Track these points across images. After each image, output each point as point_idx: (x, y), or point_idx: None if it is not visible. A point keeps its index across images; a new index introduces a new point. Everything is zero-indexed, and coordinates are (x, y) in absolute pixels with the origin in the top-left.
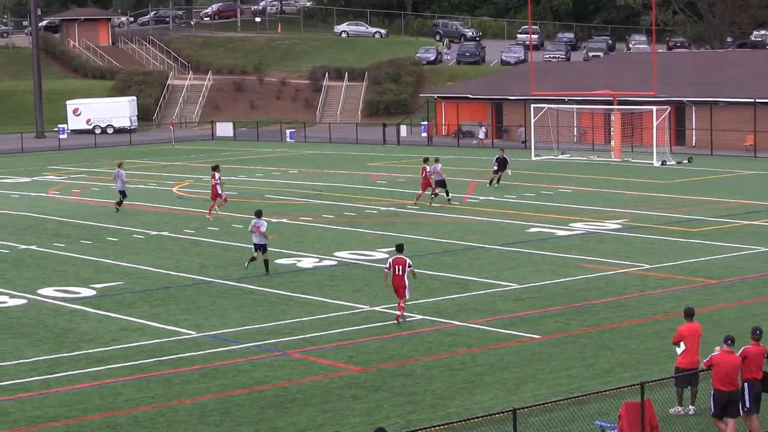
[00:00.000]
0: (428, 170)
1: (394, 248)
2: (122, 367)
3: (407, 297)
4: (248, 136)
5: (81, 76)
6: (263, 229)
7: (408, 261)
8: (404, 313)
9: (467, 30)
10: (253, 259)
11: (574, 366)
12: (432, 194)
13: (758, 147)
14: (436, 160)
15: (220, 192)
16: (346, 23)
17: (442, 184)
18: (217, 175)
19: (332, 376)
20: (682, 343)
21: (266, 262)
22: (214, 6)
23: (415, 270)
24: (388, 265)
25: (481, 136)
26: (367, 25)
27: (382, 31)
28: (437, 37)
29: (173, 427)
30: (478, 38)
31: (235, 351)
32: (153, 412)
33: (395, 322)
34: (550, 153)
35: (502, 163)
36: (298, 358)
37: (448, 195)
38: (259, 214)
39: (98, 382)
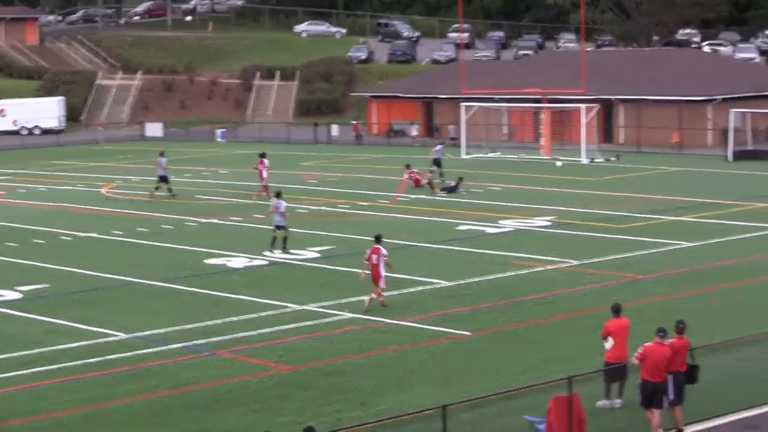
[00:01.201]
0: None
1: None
2: (49, 370)
3: (383, 286)
4: (178, 136)
5: (7, 75)
6: (282, 209)
7: (384, 251)
8: (380, 298)
9: (404, 30)
10: (275, 239)
11: (503, 362)
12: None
13: (684, 144)
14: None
15: (265, 176)
16: (306, 23)
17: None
18: (265, 161)
19: (262, 376)
20: (610, 338)
21: (285, 240)
22: (143, 5)
23: (388, 260)
24: (367, 256)
25: (414, 134)
26: (328, 25)
27: (343, 30)
28: (379, 38)
29: (101, 429)
30: (415, 39)
31: (164, 352)
32: (81, 415)
33: (382, 306)
34: (480, 151)
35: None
36: (228, 358)
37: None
38: (278, 195)
39: (24, 386)
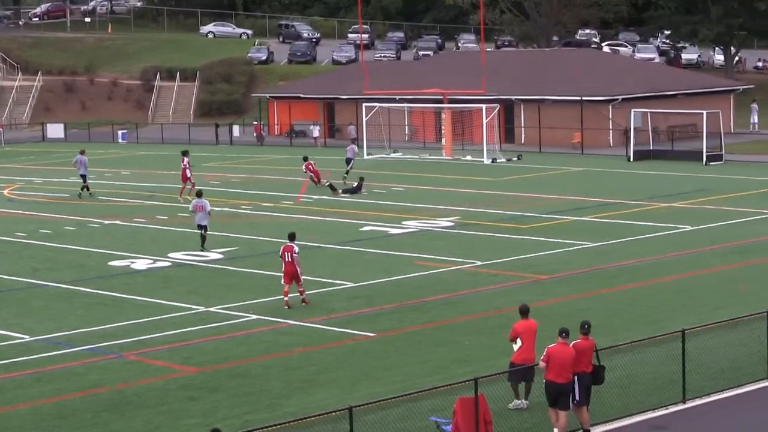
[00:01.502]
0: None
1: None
2: None
3: (301, 280)
4: (80, 137)
5: None
6: (208, 209)
7: (296, 248)
8: (290, 295)
9: (304, 31)
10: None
11: (408, 363)
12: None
13: (585, 144)
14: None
15: (189, 176)
16: (213, 24)
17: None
18: (185, 159)
19: (168, 378)
20: (519, 340)
21: (204, 239)
22: (43, 6)
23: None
24: (281, 253)
25: (316, 134)
26: (234, 26)
27: (249, 31)
28: (280, 39)
29: None
30: (315, 40)
31: (70, 354)
32: None
33: (303, 303)
34: (382, 151)
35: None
36: (134, 361)
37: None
38: (200, 194)
39: None
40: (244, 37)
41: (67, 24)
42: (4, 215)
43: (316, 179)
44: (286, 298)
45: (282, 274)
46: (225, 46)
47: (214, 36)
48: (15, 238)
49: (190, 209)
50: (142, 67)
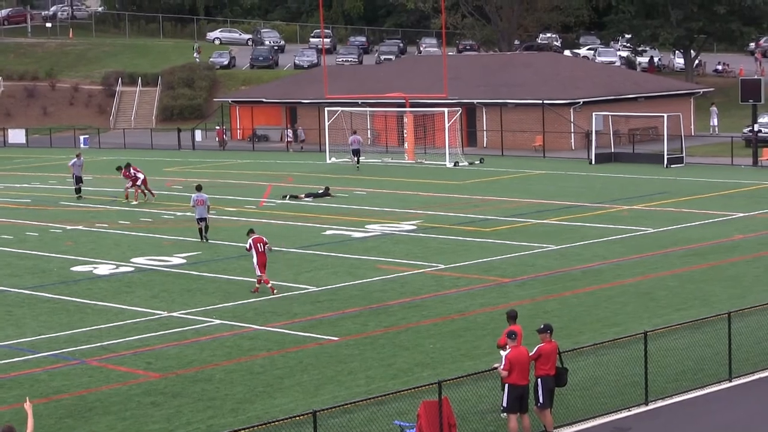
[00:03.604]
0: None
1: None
2: None
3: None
4: (41, 143)
5: None
6: (208, 202)
7: (264, 239)
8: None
9: (270, 38)
10: (200, 231)
11: (372, 367)
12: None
13: (547, 147)
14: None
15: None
16: (219, 30)
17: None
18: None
19: (131, 383)
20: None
21: (201, 231)
22: (3, 11)
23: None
24: (249, 246)
25: (289, 139)
26: (240, 32)
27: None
28: (249, 43)
29: None
30: (277, 47)
31: (32, 360)
32: None
33: (272, 293)
34: (344, 156)
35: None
36: (97, 366)
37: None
38: (199, 188)
39: None
40: (249, 43)
41: (28, 29)
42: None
43: (132, 185)
44: (258, 285)
45: (256, 266)
46: (184, 51)
47: (221, 42)
48: None
49: (191, 204)
50: (103, 73)
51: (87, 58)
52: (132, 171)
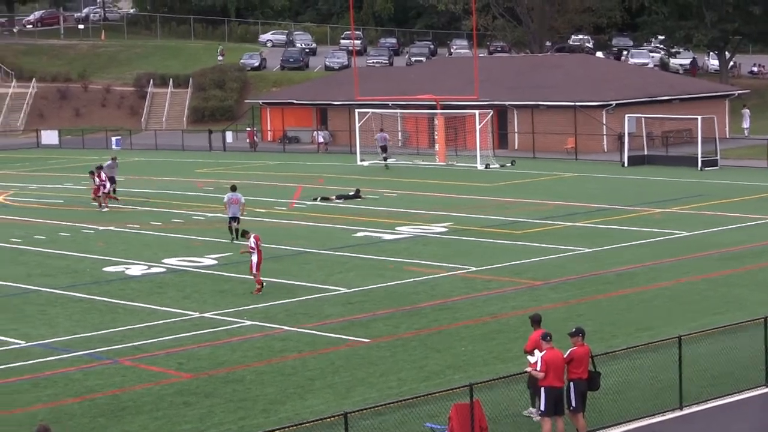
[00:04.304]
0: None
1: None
2: None
3: None
4: (74, 143)
5: None
6: (242, 200)
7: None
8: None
9: (302, 41)
10: (231, 229)
11: (404, 369)
12: None
13: (579, 150)
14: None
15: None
16: (271, 32)
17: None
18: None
19: (163, 383)
20: (537, 351)
21: (237, 231)
22: (36, 13)
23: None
24: (253, 244)
25: (321, 140)
26: (288, 33)
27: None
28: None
29: None
30: (309, 49)
31: (66, 360)
32: None
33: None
34: (375, 157)
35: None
36: (129, 366)
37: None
38: (234, 188)
39: None
40: (313, 45)
41: (61, 31)
42: None
43: (95, 193)
44: (259, 286)
45: (255, 264)
46: (217, 53)
47: (273, 45)
48: (9, 243)
49: (225, 200)
50: (135, 74)
51: (119, 60)
52: (103, 176)
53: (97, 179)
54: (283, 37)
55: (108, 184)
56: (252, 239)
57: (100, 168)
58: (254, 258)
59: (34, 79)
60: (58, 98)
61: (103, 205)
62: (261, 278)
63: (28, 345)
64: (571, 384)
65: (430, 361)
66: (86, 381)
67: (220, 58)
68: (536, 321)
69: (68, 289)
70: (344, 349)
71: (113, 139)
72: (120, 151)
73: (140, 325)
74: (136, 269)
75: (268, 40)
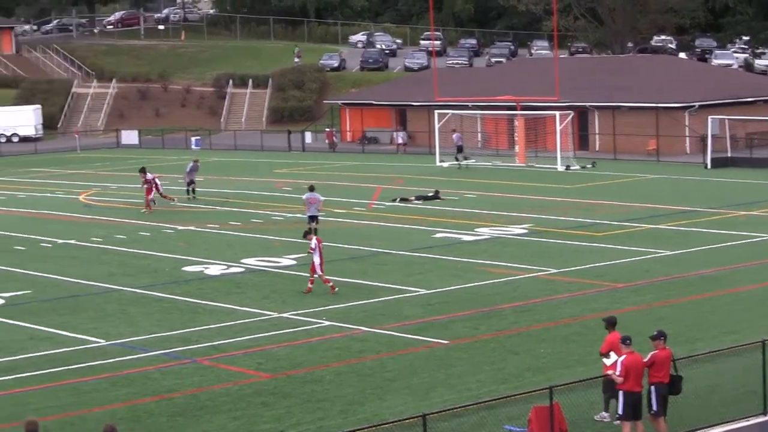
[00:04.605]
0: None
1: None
2: (31, 376)
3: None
4: (153, 143)
5: None
6: (321, 199)
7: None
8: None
9: (383, 42)
10: (309, 230)
11: (482, 371)
12: None
13: (660, 151)
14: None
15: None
16: (362, 33)
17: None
18: (149, 175)
19: (242, 383)
20: (612, 353)
21: (315, 231)
22: (117, 14)
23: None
24: (314, 245)
25: (400, 141)
26: (380, 34)
27: (399, 40)
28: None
29: None
30: (389, 50)
31: (144, 359)
32: (62, 421)
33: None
34: (459, 154)
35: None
36: (208, 366)
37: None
38: (312, 188)
39: (6, 392)
40: (393, 45)
41: (141, 31)
42: (81, 220)
43: (148, 194)
44: (311, 285)
45: (318, 265)
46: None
47: (364, 46)
48: (91, 243)
49: (304, 199)
50: (214, 74)
51: (198, 60)
52: (149, 176)
53: (143, 180)
54: (371, 38)
55: (159, 184)
56: (314, 240)
57: (144, 170)
58: (316, 259)
59: (114, 80)
60: (138, 98)
61: (146, 210)
62: (325, 282)
63: (107, 344)
64: (653, 388)
65: (510, 363)
66: (164, 380)
67: (296, 59)
68: (611, 323)
69: (148, 288)
70: (423, 350)
71: (193, 139)
72: (199, 151)
73: (219, 324)
74: (215, 269)
75: (359, 41)
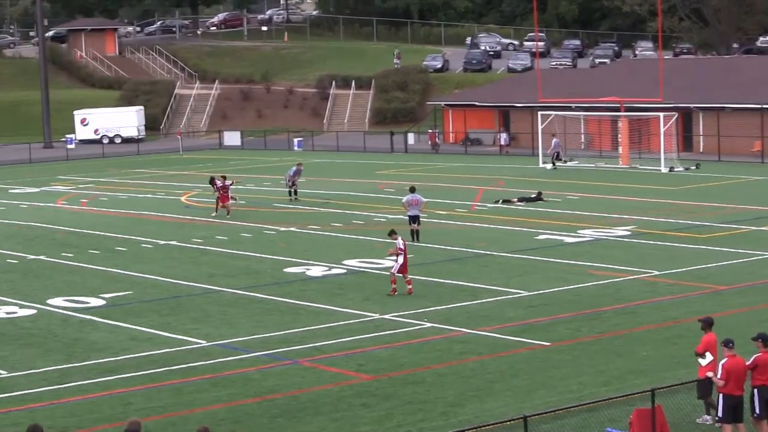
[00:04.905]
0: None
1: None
2: (132, 377)
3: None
4: (256, 144)
5: (88, 86)
6: (424, 200)
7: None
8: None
9: (490, 43)
10: (412, 232)
11: (584, 373)
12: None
13: (766, 153)
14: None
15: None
16: (481, 35)
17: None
18: (227, 182)
19: (342, 385)
20: (708, 354)
21: (417, 232)
22: (220, 15)
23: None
24: (401, 245)
25: (503, 142)
26: (500, 37)
27: (516, 42)
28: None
29: None
30: (493, 51)
31: (245, 360)
32: (164, 422)
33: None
34: (557, 160)
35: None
36: (309, 367)
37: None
38: (413, 189)
39: (109, 392)
40: (510, 48)
41: (244, 33)
42: (182, 221)
43: (222, 201)
44: (395, 286)
45: (400, 266)
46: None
47: (487, 49)
48: (192, 244)
49: (404, 201)
50: (317, 76)
51: (301, 62)
52: (218, 183)
53: (213, 188)
54: (491, 39)
55: (229, 188)
56: (399, 240)
57: (213, 179)
58: (400, 260)
59: (217, 81)
60: (240, 99)
61: (215, 213)
62: (408, 283)
63: (208, 345)
64: (755, 390)
65: (612, 365)
66: (265, 381)
67: (396, 61)
68: (708, 323)
69: (249, 289)
70: (524, 352)
71: (295, 140)
72: (302, 152)
73: (320, 326)
74: (316, 270)
75: (484, 41)
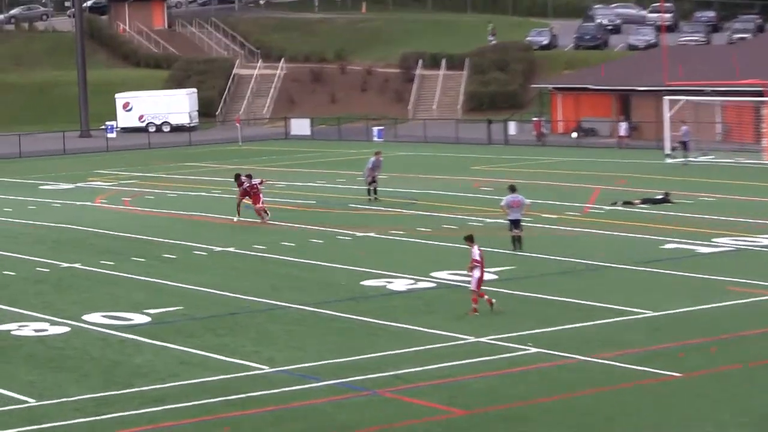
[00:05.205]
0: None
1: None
2: (182, 408)
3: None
4: (328, 134)
5: (132, 64)
6: (527, 202)
7: None
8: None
9: (601, 15)
10: (513, 239)
11: (723, 410)
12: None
13: None
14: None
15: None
16: (615, 4)
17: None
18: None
19: (430, 420)
20: None
21: (520, 240)
22: None
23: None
24: (478, 256)
25: (623, 133)
26: (638, 8)
27: (666, 15)
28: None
29: None
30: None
31: (315, 390)
32: None
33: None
34: (688, 154)
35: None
36: (390, 398)
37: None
38: (513, 189)
39: (154, 425)
40: (618, 20)
41: (315, 4)
42: (241, 224)
43: (255, 202)
44: (476, 305)
45: (478, 280)
46: (498, 28)
47: (608, 21)
48: (253, 251)
49: (503, 206)
50: (401, 54)
51: (382, 37)
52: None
53: (240, 187)
54: (628, 11)
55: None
56: (475, 249)
57: (238, 176)
58: (477, 273)
59: (283, 59)
60: (310, 81)
61: (237, 218)
62: (481, 297)
63: (272, 371)
64: None
65: (756, 401)
66: (339, 415)
67: (490, 38)
68: None
69: (320, 305)
70: (649, 384)
71: (374, 129)
72: (382, 143)
73: (404, 350)
74: (399, 283)
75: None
